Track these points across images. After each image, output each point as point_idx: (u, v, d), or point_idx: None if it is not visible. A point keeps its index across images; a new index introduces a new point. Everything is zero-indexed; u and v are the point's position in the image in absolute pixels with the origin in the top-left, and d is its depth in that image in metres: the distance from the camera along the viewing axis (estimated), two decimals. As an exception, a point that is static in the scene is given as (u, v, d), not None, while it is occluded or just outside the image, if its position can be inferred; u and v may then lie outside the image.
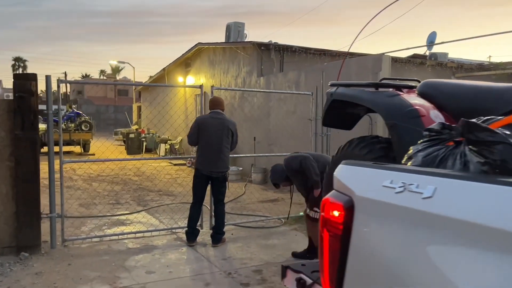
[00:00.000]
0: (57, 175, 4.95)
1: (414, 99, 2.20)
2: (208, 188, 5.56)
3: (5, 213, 4.64)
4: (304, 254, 4.65)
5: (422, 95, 2.27)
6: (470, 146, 1.30)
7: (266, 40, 11.31)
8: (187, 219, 5.38)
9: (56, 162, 4.95)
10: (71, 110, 20.27)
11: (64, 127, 17.31)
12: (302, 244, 5.30)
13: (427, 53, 15.37)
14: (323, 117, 2.71)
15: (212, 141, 5.21)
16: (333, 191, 1.60)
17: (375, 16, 2.67)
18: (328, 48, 11.70)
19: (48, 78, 4.80)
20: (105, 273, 4.17)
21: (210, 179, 5.36)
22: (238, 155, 11.39)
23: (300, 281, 2.07)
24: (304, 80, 9.01)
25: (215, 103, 5.52)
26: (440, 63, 13.31)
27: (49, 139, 4.85)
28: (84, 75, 67.79)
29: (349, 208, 1.46)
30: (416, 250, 1.18)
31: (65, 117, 18.29)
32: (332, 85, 2.60)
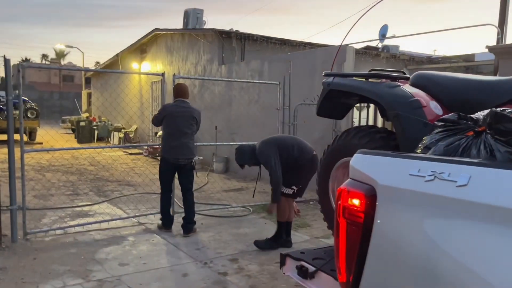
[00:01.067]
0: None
1: (413, 90, 2.28)
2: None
3: (-40, 206, 4.32)
4: (266, 242, 4.74)
5: (416, 86, 2.36)
6: (496, 136, 1.37)
7: (227, 28, 11.20)
8: (160, 208, 5.35)
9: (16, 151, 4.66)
10: (14, 96, 19.07)
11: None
12: (272, 232, 5.35)
13: (380, 46, 15.89)
14: (318, 107, 2.74)
15: (178, 130, 5.21)
16: (349, 180, 1.63)
17: (368, 10, 2.72)
18: (288, 38, 11.77)
19: (7, 61, 4.49)
20: (76, 267, 4.01)
21: (177, 167, 5.33)
22: (200, 144, 11.31)
23: (302, 269, 2.10)
24: (268, 69, 9.03)
25: (181, 92, 5.47)
26: (393, 55, 13.83)
27: (9, 127, 4.54)
28: (24, 59, 63.91)
29: (370, 197, 1.49)
30: (449, 239, 1.23)
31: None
32: (327, 75, 2.63)
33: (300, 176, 4.69)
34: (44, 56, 65.91)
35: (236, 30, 11.07)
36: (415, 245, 1.35)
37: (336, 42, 7.93)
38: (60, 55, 60.03)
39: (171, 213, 5.48)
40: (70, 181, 8.69)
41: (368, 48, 14.70)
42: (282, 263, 2.29)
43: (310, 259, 2.13)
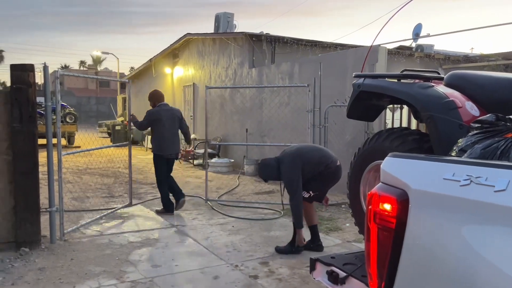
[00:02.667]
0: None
1: (447, 90, 2.20)
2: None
3: (3, 208, 4.51)
4: (289, 248, 4.64)
5: (451, 86, 2.28)
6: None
7: (256, 31, 11.23)
8: (164, 196, 6.31)
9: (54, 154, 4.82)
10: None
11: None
12: (303, 235, 5.32)
13: (413, 45, 15.51)
14: (348, 109, 2.70)
15: (169, 131, 6.18)
16: (380, 184, 1.59)
17: (400, 9, 2.66)
18: (318, 39, 11.67)
19: (46, 68, 4.66)
20: (110, 268, 4.11)
21: (167, 160, 6.30)
22: (232, 143, 11.39)
23: (332, 274, 2.06)
24: (298, 71, 8.99)
25: (160, 97, 6.55)
26: (428, 55, 13.47)
27: (48, 131, 4.71)
28: (63, 65, 66.35)
29: (403, 202, 1.45)
30: (487, 246, 1.18)
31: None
32: (357, 76, 2.58)
33: (320, 184, 4.67)
34: (82, 63, 68.21)
35: (266, 33, 11.09)
36: (450, 252, 1.29)
37: (368, 43, 7.80)
38: (97, 61, 61.97)
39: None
40: (105, 183, 8.94)
41: (401, 48, 14.39)
42: (312, 268, 2.26)
43: (341, 264, 2.09)
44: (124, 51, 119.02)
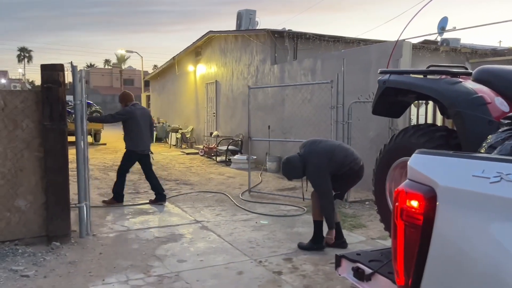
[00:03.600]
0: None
1: (475, 86, 2.17)
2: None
3: (35, 204, 4.68)
4: (311, 245, 4.61)
5: (479, 81, 2.24)
6: None
7: (278, 28, 11.22)
8: (118, 188, 6.67)
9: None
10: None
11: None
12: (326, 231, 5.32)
13: (439, 39, 15.18)
14: (374, 105, 2.68)
15: (143, 128, 6.55)
16: (407, 181, 1.59)
17: (427, 4, 2.62)
18: (341, 35, 11.57)
19: (74, 68, 4.79)
20: (138, 262, 4.21)
21: (140, 157, 6.67)
22: (256, 139, 11.43)
23: (358, 271, 2.07)
24: (321, 67, 8.94)
25: (130, 97, 6.86)
26: (454, 49, 13.17)
27: (77, 128, 4.85)
28: (89, 64, 67.77)
29: (430, 199, 1.45)
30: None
31: (75, 107, 18.33)
32: (383, 72, 2.57)
33: (342, 183, 4.67)
34: (107, 62, 69.55)
35: (288, 30, 11.06)
36: (479, 250, 1.29)
37: (391, 38, 7.70)
38: (121, 60, 63.01)
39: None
40: (131, 180, 9.10)
41: (426, 42, 14.10)
42: (338, 264, 2.27)
43: (367, 261, 2.09)
44: (148, 49, 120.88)
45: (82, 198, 4.93)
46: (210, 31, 13.96)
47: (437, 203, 1.44)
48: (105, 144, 17.59)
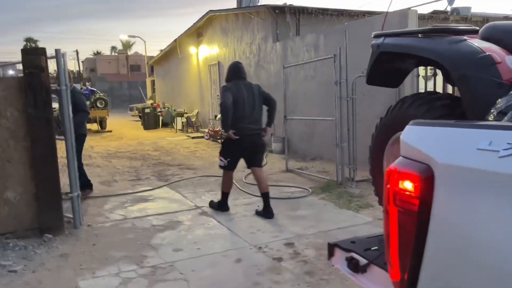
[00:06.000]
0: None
1: (483, 45, 1.87)
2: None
3: (25, 195, 4.50)
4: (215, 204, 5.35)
5: (488, 40, 1.93)
6: None
7: (280, 3, 10.81)
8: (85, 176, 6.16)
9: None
10: (85, 88, 20.17)
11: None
12: (332, 214, 5.09)
13: (448, 8, 14.61)
14: (367, 74, 2.39)
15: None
16: (400, 158, 1.32)
17: None
18: (345, 8, 11.11)
19: (57, 51, 4.55)
20: (132, 252, 4.03)
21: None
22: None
23: (351, 261, 1.82)
24: (324, 42, 8.57)
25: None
26: (464, 18, 12.61)
27: (63, 116, 4.63)
28: (96, 52, 67.52)
29: (427, 179, 1.18)
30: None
31: (79, 95, 18.21)
32: (377, 36, 2.26)
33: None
34: (113, 48, 69.19)
35: (289, 4, 10.64)
36: (486, 239, 1.03)
37: (399, 8, 7.25)
38: (127, 46, 62.64)
39: None
40: (133, 166, 8.95)
41: (435, 12, 13.55)
42: (330, 254, 2.02)
43: (362, 249, 1.84)
44: (154, 34, 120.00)
45: (74, 187, 4.75)
46: (210, 11, 13.58)
47: (435, 184, 1.17)
48: (110, 131, 17.48)
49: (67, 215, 4.80)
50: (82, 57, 55.94)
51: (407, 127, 1.31)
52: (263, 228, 4.61)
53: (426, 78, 6.43)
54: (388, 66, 2.30)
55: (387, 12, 4.25)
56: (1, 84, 4.35)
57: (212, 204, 5.43)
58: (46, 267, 3.74)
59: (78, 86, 22.20)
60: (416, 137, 1.27)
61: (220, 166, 5.20)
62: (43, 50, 4.42)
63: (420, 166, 1.21)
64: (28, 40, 67.79)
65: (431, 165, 1.18)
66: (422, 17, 11.17)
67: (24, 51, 4.35)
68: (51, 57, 4.76)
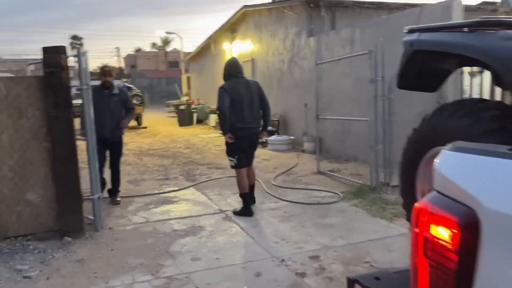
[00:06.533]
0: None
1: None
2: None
3: (46, 196, 4.44)
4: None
5: None
6: None
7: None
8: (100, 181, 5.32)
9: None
10: (123, 85, 20.51)
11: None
12: (363, 223, 4.73)
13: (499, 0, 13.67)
14: (398, 76, 2.04)
15: None
16: (433, 193, 1.01)
17: None
18: (385, 0, 10.56)
19: (78, 50, 4.44)
20: (149, 260, 3.85)
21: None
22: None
23: (374, 304, 1.52)
24: (360, 37, 8.12)
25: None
26: (516, 9, 11.70)
27: (85, 115, 4.52)
28: (136, 49, 69.00)
29: (469, 227, 0.87)
30: None
31: (116, 92, 18.53)
32: (411, 31, 1.91)
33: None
34: (153, 45, 70.49)
35: (325, -2, 10.21)
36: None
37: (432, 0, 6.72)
38: (165, 42, 63.58)
39: None
40: (163, 165, 8.87)
41: (483, 3, 12.70)
42: (351, 291, 1.71)
43: (387, 289, 1.53)
44: (193, 30, 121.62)
45: (95, 189, 4.64)
46: (245, 6, 13.35)
47: (481, 234, 0.86)
48: (146, 127, 17.63)
49: (88, 217, 4.72)
50: (123, 53, 57.35)
51: (444, 152, 1.00)
52: (287, 237, 4.33)
53: (471, 75, 5.89)
54: (423, 66, 1.93)
55: (424, 5, 3.80)
56: (23, 83, 4.29)
57: (236, 213, 5.18)
58: (61, 273, 3.62)
59: (117, 82, 22.73)
60: (456, 168, 0.96)
61: (232, 166, 5.18)
62: (63, 49, 4.31)
63: (460, 209, 0.90)
64: (74, 37, 70.13)
65: (475, 209, 0.87)
66: (468, 9, 10.44)
67: (45, 50, 4.26)
68: (73, 56, 4.67)
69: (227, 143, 5.14)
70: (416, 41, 1.81)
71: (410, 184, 2.00)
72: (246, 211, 5.11)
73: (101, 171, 5.35)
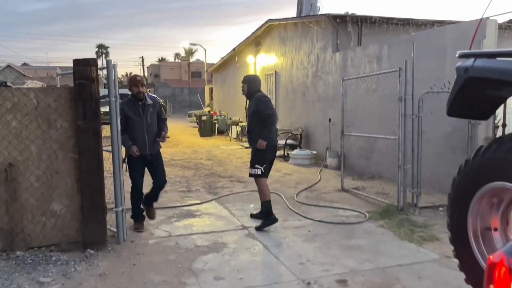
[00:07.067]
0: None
1: None
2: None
3: (71, 207, 4.44)
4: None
5: None
6: None
7: (341, 12, 10.33)
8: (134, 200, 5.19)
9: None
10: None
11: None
12: (391, 246, 4.57)
13: (529, 17, 13.31)
14: (449, 103, 1.93)
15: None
16: (511, 245, 0.90)
17: None
18: (413, 17, 10.41)
19: (108, 62, 4.46)
20: (171, 277, 3.78)
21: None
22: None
23: None
24: (387, 54, 8.00)
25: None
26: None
27: (112, 126, 4.52)
28: (160, 58, 70.12)
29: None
30: None
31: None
32: (463, 56, 1.81)
33: None
34: (177, 55, 71.57)
35: (351, 13, 10.14)
36: None
37: (471, 18, 6.58)
38: (189, 53, 64.51)
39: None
40: (185, 176, 8.86)
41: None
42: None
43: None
44: (217, 42, 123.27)
45: (119, 202, 4.62)
46: (269, 20, 13.36)
47: None
48: (168, 137, 17.71)
49: (111, 229, 4.70)
50: (147, 63, 58.38)
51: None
52: (313, 258, 4.20)
53: None
54: (476, 93, 1.82)
55: (481, 19, 3.68)
56: (53, 94, 4.32)
57: (259, 227, 5.11)
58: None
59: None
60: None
61: (258, 175, 5.16)
62: (94, 61, 4.34)
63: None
64: (100, 46, 71.78)
65: None
66: (499, 27, 10.22)
67: (76, 62, 4.29)
68: (102, 68, 4.70)
69: (258, 151, 5.15)
70: (472, 67, 1.71)
71: (459, 217, 1.88)
72: (271, 219, 5.13)
73: (140, 191, 5.14)
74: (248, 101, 5.48)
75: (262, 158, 5.16)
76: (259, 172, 5.13)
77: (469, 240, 1.82)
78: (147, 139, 5.01)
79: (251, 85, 5.36)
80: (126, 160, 5.11)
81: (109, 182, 4.72)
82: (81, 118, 4.29)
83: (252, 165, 5.19)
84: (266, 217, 5.14)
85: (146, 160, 5.08)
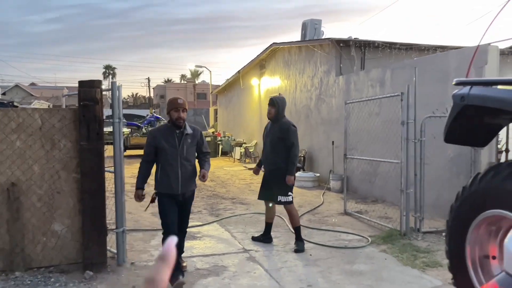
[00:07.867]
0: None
1: None
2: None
3: (72, 228, 4.44)
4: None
5: None
6: None
7: (344, 36, 10.46)
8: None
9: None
10: (151, 115, 20.92)
11: (145, 131, 17.78)
12: (394, 272, 4.50)
13: (531, 43, 13.40)
14: (446, 130, 1.95)
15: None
16: (503, 275, 0.90)
17: (505, 5, 1.87)
18: (415, 42, 10.53)
19: (113, 84, 4.53)
20: (170, 301, 3.74)
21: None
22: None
23: None
24: (390, 78, 8.06)
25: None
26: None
27: (115, 148, 4.56)
28: (166, 79, 70.94)
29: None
30: None
31: (145, 122, 18.91)
32: (460, 83, 1.83)
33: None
34: (183, 76, 72.39)
35: (355, 38, 10.27)
36: None
37: (474, 43, 6.67)
38: (195, 74, 65.24)
39: None
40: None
41: (515, 46, 12.49)
42: None
43: None
44: (222, 64, 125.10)
45: (120, 223, 4.61)
46: (274, 43, 13.55)
47: None
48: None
49: (111, 250, 4.68)
50: (153, 84, 59.15)
51: (514, 230, 0.90)
52: (314, 284, 4.15)
53: None
54: (473, 121, 1.84)
55: (477, 46, 3.72)
56: (58, 115, 4.37)
57: (298, 250, 5.16)
58: (81, 310, 3.55)
59: (146, 112, 23.09)
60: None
61: (290, 202, 5.22)
62: (98, 83, 4.41)
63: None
64: (107, 67, 72.87)
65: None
66: (501, 53, 10.30)
67: (81, 83, 4.36)
68: (107, 90, 4.77)
69: (285, 182, 5.12)
70: (468, 95, 1.72)
71: (457, 245, 1.86)
72: (302, 243, 5.23)
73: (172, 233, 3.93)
74: (270, 123, 5.42)
75: (292, 187, 5.23)
76: (290, 198, 5.20)
77: (467, 268, 1.80)
78: (181, 175, 4.08)
79: (279, 109, 5.28)
80: (156, 199, 4.23)
81: (111, 203, 4.72)
82: (84, 139, 4.33)
83: (285, 193, 5.16)
84: (298, 241, 5.23)
85: (177, 202, 4.18)
